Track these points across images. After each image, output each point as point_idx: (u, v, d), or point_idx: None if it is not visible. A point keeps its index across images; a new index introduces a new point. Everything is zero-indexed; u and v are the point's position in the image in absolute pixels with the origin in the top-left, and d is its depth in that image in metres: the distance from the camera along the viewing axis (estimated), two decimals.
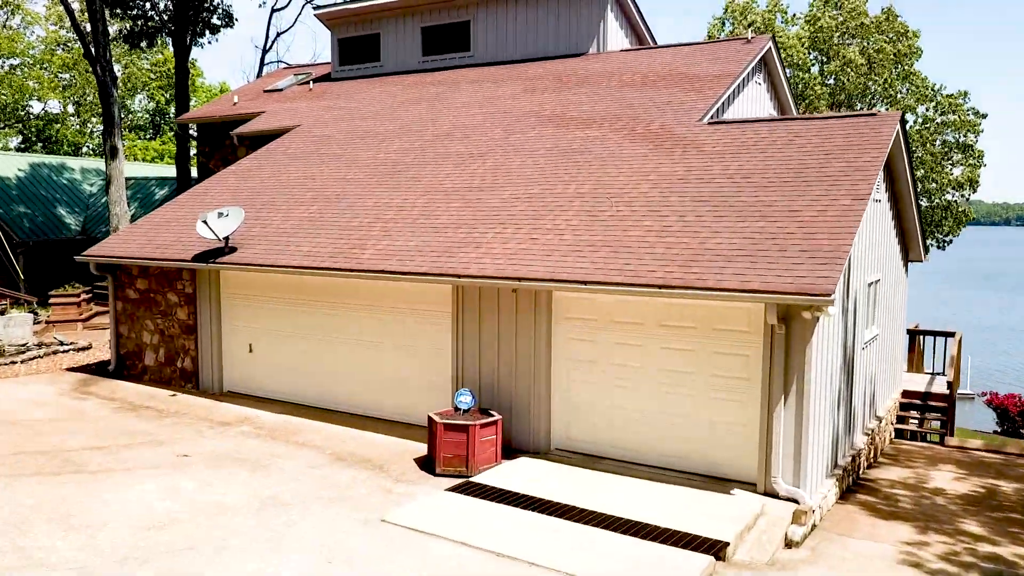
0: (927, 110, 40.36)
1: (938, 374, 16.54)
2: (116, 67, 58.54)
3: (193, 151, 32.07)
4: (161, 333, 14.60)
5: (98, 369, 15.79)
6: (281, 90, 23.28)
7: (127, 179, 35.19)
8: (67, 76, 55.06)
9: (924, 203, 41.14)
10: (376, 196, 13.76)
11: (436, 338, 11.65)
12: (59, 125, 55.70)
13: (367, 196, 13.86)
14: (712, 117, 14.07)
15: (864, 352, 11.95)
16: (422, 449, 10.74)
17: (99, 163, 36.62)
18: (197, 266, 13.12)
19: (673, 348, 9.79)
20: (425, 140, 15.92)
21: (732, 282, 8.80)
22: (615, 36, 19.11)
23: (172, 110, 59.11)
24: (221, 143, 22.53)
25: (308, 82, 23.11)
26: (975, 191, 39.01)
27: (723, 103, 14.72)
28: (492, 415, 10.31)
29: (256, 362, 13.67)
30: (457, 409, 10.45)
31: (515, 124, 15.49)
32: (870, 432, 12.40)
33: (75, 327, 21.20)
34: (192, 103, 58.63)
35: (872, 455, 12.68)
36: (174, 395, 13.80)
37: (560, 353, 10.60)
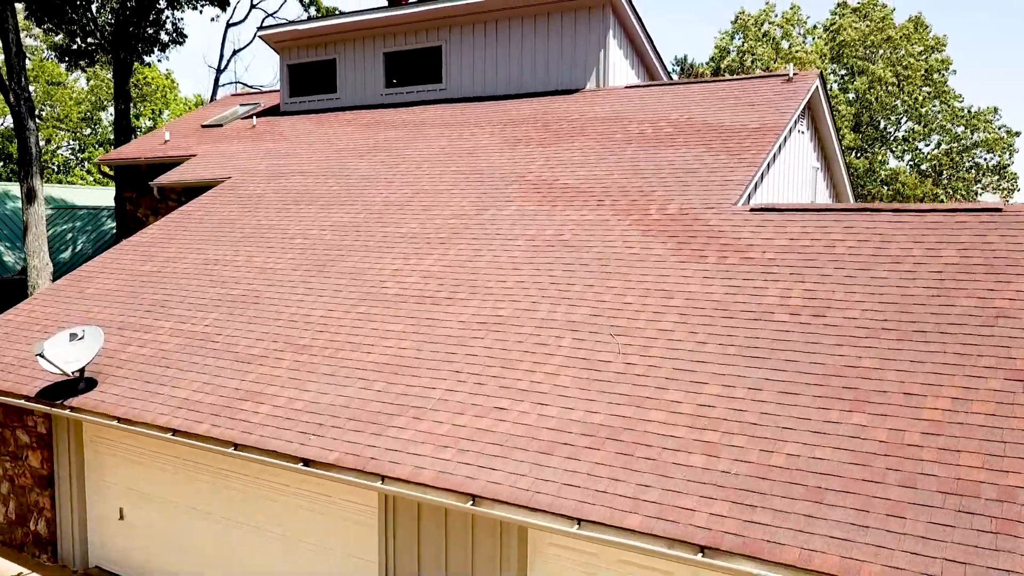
0: (955, 126, 36.65)
1: None
2: (82, 79, 54.89)
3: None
4: (11, 481, 10.90)
5: None
6: (221, 126, 19.59)
7: (77, 208, 31.56)
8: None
9: None
10: (296, 300, 10.08)
11: (358, 542, 7.96)
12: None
13: (284, 299, 10.19)
14: (752, 193, 10.42)
15: None
16: None
17: (50, 188, 32.86)
18: (39, 407, 9.44)
19: None
20: (374, 210, 12.25)
21: (828, 558, 5.11)
22: (618, 68, 15.44)
23: (143, 124, 55.61)
24: (149, 189, 18.88)
25: (252, 116, 19.43)
26: None
27: (764, 169, 11.08)
28: None
29: (129, 532, 9.97)
30: None
31: (489, 193, 11.82)
32: None
33: None
34: (165, 115, 55.00)
35: None
36: (20, 575, 10.11)
37: None
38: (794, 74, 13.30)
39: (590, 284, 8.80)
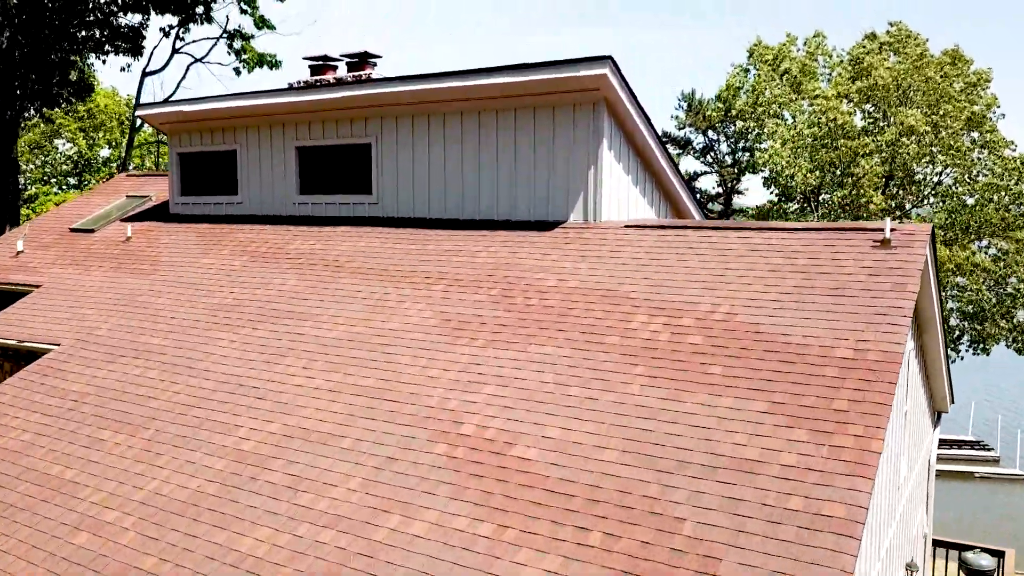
0: (1007, 179, 31.37)
1: None
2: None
3: None
4: None
5: None
6: (92, 231, 14.83)
7: None
8: None
9: (994, 293, 32.34)
10: None
11: None
12: None
13: None
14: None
15: None
16: None
17: None
18: None
19: None
20: (215, 470, 7.48)
21: None
22: (616, 191, 10.69)
23: (102, 153, 50.80)
24: None
25: (129, 221, 14.64)
26: None
27: None
28: None
29: None
30: None
31: (401, 461, 7.01)
32: None
33: None
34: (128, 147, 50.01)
35: None
36: None
37: None
38: (892, 230, 8.49)
39: None
